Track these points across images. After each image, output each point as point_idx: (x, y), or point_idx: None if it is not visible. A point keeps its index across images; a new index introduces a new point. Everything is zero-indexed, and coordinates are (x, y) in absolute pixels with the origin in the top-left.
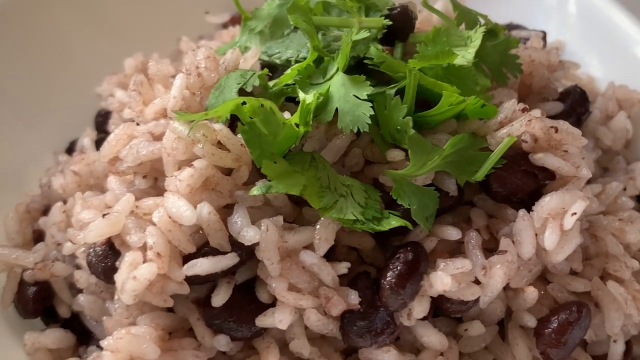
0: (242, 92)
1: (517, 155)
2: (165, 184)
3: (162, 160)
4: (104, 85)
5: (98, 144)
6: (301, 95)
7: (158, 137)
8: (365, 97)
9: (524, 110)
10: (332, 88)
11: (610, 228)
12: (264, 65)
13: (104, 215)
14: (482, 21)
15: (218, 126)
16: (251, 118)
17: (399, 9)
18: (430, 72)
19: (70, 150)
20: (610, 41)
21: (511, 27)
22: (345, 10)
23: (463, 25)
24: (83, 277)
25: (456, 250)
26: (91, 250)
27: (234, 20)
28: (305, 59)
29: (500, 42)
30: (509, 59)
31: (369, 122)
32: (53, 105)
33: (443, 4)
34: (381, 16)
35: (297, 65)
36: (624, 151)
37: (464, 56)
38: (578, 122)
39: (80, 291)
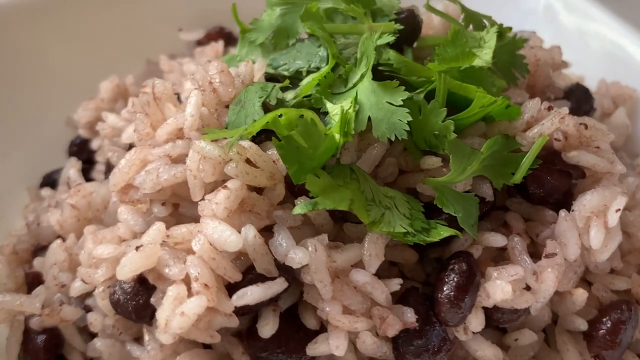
0: (265, 105)
1: (549, 155)
2: (200, 209)
3: (184, 185)
4: (79, 112)
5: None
6: (329, 105)
7: (176, 160)
8: (400, 103)
9: (549, 108)
10: (360, 96)
11: (638, 224)
12: (269, 78)
13: (137, 248)
14: (487, 23)
15: (247, 143)
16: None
17: (405, 13)
18: (448, 75)
19: (47, 183)
20: (588, 37)
21: None
22: (351, 16)
23: (471, 27)
24: (97, 320)
25: (498, 257)
26: (117, 288)
27: (209, 37)
28: (318, 69)
29: (508, 43)
30: (517, 59)
31: (407, 128)
32: (18, 137)
33: (443, 7)
34: (390, 21)
35: (316, 75)
36: (623, 146)
37: (482, 57)
38: None
39: (92, 335)
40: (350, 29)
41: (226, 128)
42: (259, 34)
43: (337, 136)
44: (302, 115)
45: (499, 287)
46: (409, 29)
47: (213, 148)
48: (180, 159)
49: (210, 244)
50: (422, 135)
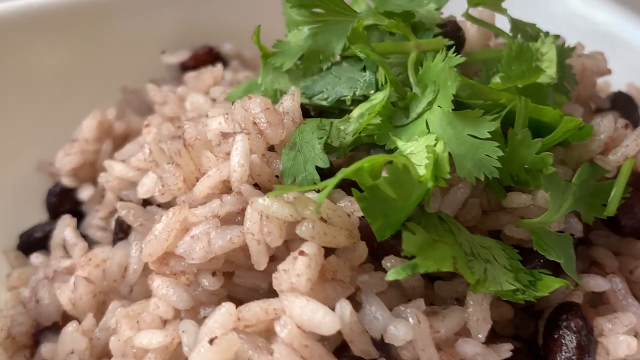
0: (327, 147)
1: (637, 180)
2: (275, 284)
3: (239, 250)
4: (61, 158)
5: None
6: (400, 143)
7: (225, 220)
8: (487, 136)
9: (626, 126)
10: (433, 129)
11: None
12: (304, 110)
13: (211, 340)
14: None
15: (317, 196)
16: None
17: (448, 26)
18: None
19: (29, 245)
20: (610, 40)
21: None
22: (388, 32)
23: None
24: None
25: (594, 300)
26: None
27: (197, 59)
28: (365, 97)
29: (557, 53)
30: (566, 70)
31: (498, 165)
32: None
33: (478, 16)
34: (435, 35)
35: (369, 104)
36: None
37: (546, 73)
38: None
39: None
40: (395, 47)
41: (277, 177)
42: (285, 59)
43: (430, 182)
44: (391, 161)
45: (623, 343)
46: (454, 37)
47: (281, 206)
48: (229, 219)
49: (299, 327)
50: (508, 170)
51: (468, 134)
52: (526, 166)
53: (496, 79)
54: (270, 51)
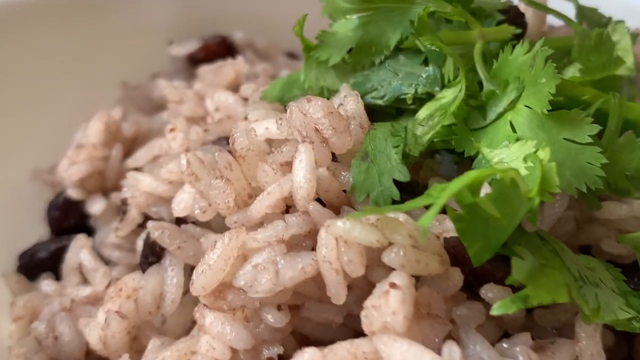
0: (404, 157)
1: None
2: (365, 323)
3: (310, 281)
4: (65, 166)
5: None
6: (487, 151)
7: (291, 245)
8: (588, 140)
9: None
10: (520, 132)
11: None
12: None
13: None
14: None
15: (405, 217)
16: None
17: (510, 11)
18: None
19: (31, 267)
20: None
21: None
22: (445, 20)
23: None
24: None
25: None
26: None
27: (208, 50)
28: (429, 94)
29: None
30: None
31: (602, 174)
32: None
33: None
34: (498, 23)
35: (445, 105)
36: None
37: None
38: None
39: None
40: (458, 38)
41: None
42: (332, 51)
43: (538, 198)
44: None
45: None
46: (518, 23)
47: (364, 230)
48: (295, 243)
49: None
50: (607, 178)
51: (565, 138)
52: (627, 173)
53: (569, 71)
54: (313, 44)
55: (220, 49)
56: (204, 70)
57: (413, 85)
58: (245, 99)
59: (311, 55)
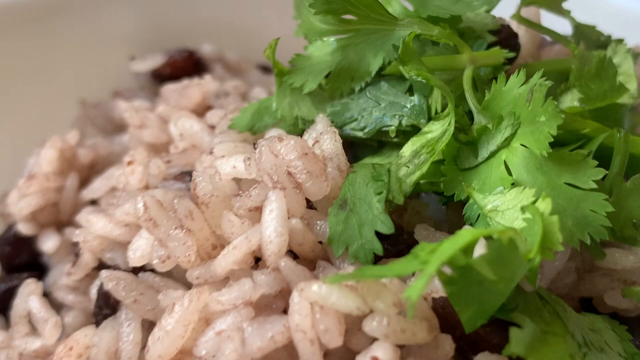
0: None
1: None
2: None
3: (282, 350)
4: (15, 199)
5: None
6: (480, 197)
7: (260, 307)
8: (592, 186)
9: None
10: (516, 175)
11: None
12: None
13: None
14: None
15: (389, 281)
16: None
17: (502, 32)
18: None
19: None
20: None
21: None
22: (431, 42)
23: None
24: None
25: None
26: None
27: (175, 66)
28: (414, 127)
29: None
30: None
31: (607, 224)
32: None
33: (529, 15)
34: (489, 45)
35: (431, 140)
36: None
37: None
38: None
39: None
40: (445, 63)
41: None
42: (307, 77)
43: (538, 257)
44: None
45: None
46: (511, 45)
47: (343, 295)
48: (264, 304)
49: None
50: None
51: (566, 183)
52: (635, 221)
53: (567, 99)
54: (286, 68)
55: (187, 64)
56: (169, 89)
57: (397, 116)
58: (213, 127)
59: (284, 81)
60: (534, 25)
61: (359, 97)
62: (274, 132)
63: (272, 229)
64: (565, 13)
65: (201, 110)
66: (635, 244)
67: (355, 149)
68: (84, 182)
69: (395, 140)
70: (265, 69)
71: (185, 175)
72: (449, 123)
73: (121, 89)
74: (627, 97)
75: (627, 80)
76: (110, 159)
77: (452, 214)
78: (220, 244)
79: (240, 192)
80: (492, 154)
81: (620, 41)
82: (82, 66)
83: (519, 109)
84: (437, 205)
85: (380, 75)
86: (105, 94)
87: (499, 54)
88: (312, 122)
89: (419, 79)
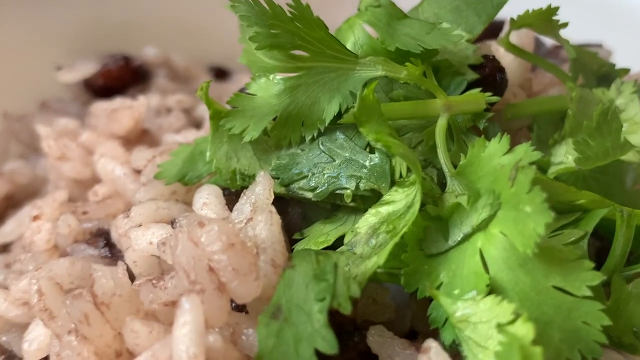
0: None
1: None
2: None
3: None
4: None
5: None
6: (447, 300)
7: None
8: (587, 293)
9: None
10: (493, 271)
11: None
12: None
13: None
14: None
15: None
16: None
17: (486, 66)
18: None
19: None
20: None
21: None
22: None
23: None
24: None
25: None
26: None
27: (108, 76)
28: (374, 192)
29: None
30: None
31: (603, 340)
32: None
33: (517, 41)
34: (469, 85)
35: (395, 213)
36: None
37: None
38: None
39: None
40: (416, 109)
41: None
42: (248, 122)
43: None
44: None
45: None
46: (491, 89)
47: None
48: None
49: None
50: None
51: (555, 287)
52: (635, 329)
53: (560, 151)
54: (224, 108)
55: (123, 73)
56: (99, 108)
57: (353, 177)
58: (138, 172)
59: (221, 125)
60: (525, 54)
61: (311, 149)
62: (205, 193)
63: (184, 349)
64: (562, 42)
65: (134, 137)
66: (635, 353)
67: (306, 208)
68: (1, 216)
69: (352, 204)
70: (219, 73)
71: (100, 239)
72: (415, 197)
73: (49, 100)
74: (632, 154)
75: (632, 130)
76: (32, 187)
77: (417, 304)
78: (126, 349)
79: (153, 280)
80: (466, 238)
81: (625, 71)
82: (4, 73)
83: (499, 185)
84: (399, 290)
85: (336, 123)
86: (31, 105)
87: (480, 99)
88: (253, 177)
89: (378, 145)
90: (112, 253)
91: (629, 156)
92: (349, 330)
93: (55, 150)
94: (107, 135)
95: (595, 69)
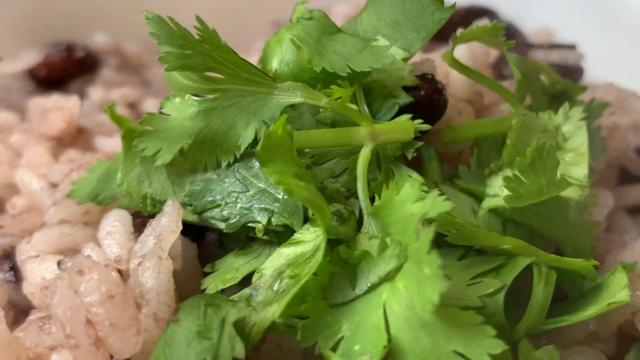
0: None
1: None
2: None
3: None
4: None
5: None
6: None
7: None
8: None
9: None
10: (395, 330)
11: None
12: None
13: None
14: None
15: None
16: None
17: (423, 88)
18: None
19: None
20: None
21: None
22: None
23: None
24: None
25: None
26: None
27: (51, 67)
28: (287, 228)
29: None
30: (595, 137)
31: None
32: None
33: (469, 54)
34: (401, 109)
35: (303, 255)
36: None
37: (568, 177)
38: None
39: None
40: (338, 137)
41: None
42: (162, 144)
43: None
44: None
45: None
46: (427, 113)
47: None
48: None
49: None
50: None
51: (455, 351)
52: None
53: (496, 183)
54: (138, 127)
55: (67, 64)
56: (35, 105)
57: (266, 211)
58: (55, 186)
59: (132, 146)
60: (468, 72)
61: (226, 176)
62: (111, 220)
63: None
64: (509, 59)
65: (68, 138)
66: None
67: (222, 235)
68: None
69: (265, 237)
70: None
71: (6, 262)
72: (321, 241)
73: None
74: (573, 189)
75: (577, 162)
76: None
77: None
78: None
79: (40, 323)
80: (373, 288)
81: (581, 89)
82: None
83: (407, 236)
84: None
85: (254, 149)
86: None
87: (409, 127)
88: (164, 203)
89: (280, 188)
90: (17, 278)
91: (568, 192)
92: None
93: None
94: (38, 136)
95: (549, 86)
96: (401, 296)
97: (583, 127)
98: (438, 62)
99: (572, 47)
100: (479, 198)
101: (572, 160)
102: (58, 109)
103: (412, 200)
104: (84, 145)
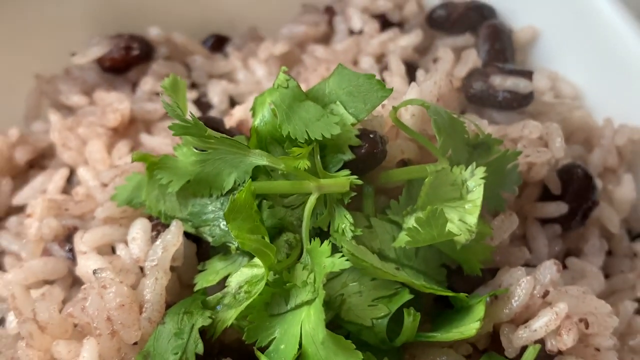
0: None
1: None
2: None
3: None
4: None
5: None
6: None
7: None
8: None
9: (544, 295)
10: (306, 340)
11: None
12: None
13: None
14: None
15: None
16: None
17: (363, 147)
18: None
19: None
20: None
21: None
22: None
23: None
24: None
25: None
26: None
27: (113, 62)
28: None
29: (496, 160)
30: (507, 175)
31: None
32: None
33: (414, 112)
34: (345, 164)
35: (257, 277)
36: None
37: (463, 222)
38: (583, 219)
39: None
40: (292, 188)
41: None
42: (172, 178)
43: None
44: None
45: None
46: (369, 165)
47: None
48: None
49: None
50: None
51: None
52: None
53: (411, 221)
54: (155, 159)
55: (126, 59)
56: (99, 98)
57: None
58: (105, 186)
59: (154, 175)
60: (406, 129)
61: (215, 205)
62: (137, 228)
63: None
64: (433, 123)
65: (122, 129)
66: None
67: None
68: (21, 185)
69: (238, 252)
70: (218, 42)
71: (65, 243)
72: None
73: (72, 67)
74: (464, 233)
75: (472, 212)
76: (52, 150)
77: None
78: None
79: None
80: (298, 307)
81: (498, 142)
82: (40, 42)
83: (318, 281)
84: None
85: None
86: (59, 70)
87: (344, 183)
88: (173, 217)
89: (236, 241)
90: (74, 257)
91: (459, 238)
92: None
93: (58, 137)
94: (99, 127)
95: (473, 138)
96: (311, 320)
97: (481, 185)
98: None
99: (529, 75)
100: (401, 227)
101: (469, 209)
102: (112, 111)
103: (326, 255)
104: (135, 135)
